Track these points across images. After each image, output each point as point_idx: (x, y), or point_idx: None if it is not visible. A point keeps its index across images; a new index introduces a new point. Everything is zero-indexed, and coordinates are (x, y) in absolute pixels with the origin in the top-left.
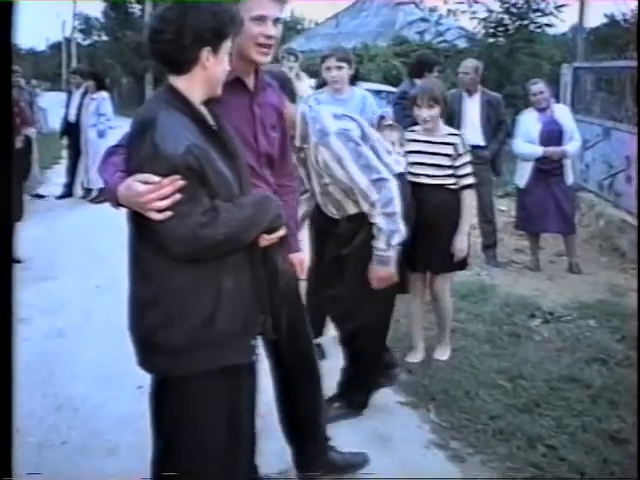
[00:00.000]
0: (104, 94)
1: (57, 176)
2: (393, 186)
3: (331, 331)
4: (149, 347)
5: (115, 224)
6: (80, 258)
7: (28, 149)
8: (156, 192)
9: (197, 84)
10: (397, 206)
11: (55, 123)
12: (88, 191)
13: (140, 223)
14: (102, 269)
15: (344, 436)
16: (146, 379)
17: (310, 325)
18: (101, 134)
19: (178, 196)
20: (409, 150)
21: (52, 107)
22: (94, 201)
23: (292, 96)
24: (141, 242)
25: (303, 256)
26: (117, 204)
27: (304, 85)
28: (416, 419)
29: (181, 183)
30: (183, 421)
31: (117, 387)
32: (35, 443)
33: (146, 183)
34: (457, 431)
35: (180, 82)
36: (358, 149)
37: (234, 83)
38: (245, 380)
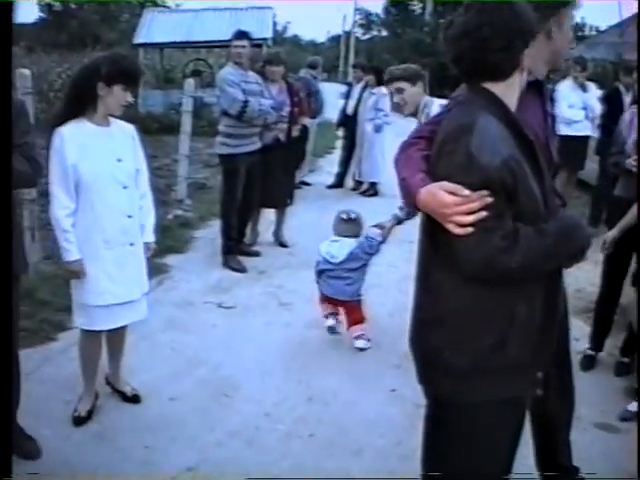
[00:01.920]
0: (383, 90)
1: (329, 165)
2: None
3: None
4: (432, 367)
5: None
6: None
7: (304, 138)
8: (463, 206)
9: (514, 89)
10: None
11: (330, 113)
12: (359, 183)
13: (435, 233)
14: None
15: None
16: (400, 383)
17: None
18: (377, 129)
19: (484, 213)
20: None
21: (328, 97)
22: (364, 194)
23: None
24: (432, 254)
25: None
26: (414, 206)
27: (592, 96)
28: None
29: (490, 200)
30: (458, 448)
31: (370, 387)
32: (283, 431)
33: (453, 194)
34: None
35: (498, 88)
36: None
37: (531, 87)
38: (524, 413)
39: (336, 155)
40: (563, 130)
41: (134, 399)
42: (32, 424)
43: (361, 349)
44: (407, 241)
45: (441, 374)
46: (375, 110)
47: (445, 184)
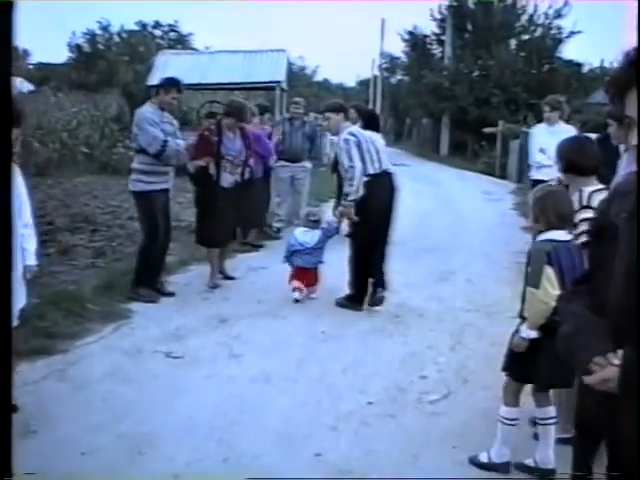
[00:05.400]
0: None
1: (330, 210)
2: (357, 170)
3: None
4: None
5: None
6: (312, 303)
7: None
8: None
9: None
10: (355, 179)
11: None
12: None
13: None
14: (326, 316)
15: None
16: (327, 447)
17: None
18: None
19: None
20: None
21: None
22: None
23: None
24: None
25: None
26: None
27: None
28: None
29: None
30: None
31: (295, 449)
32: None
33: None
34: None
35: None
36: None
37: None
38: None
39: None
40: (535, 174)
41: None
42: None
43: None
44: None
45: None
46: None
47: None
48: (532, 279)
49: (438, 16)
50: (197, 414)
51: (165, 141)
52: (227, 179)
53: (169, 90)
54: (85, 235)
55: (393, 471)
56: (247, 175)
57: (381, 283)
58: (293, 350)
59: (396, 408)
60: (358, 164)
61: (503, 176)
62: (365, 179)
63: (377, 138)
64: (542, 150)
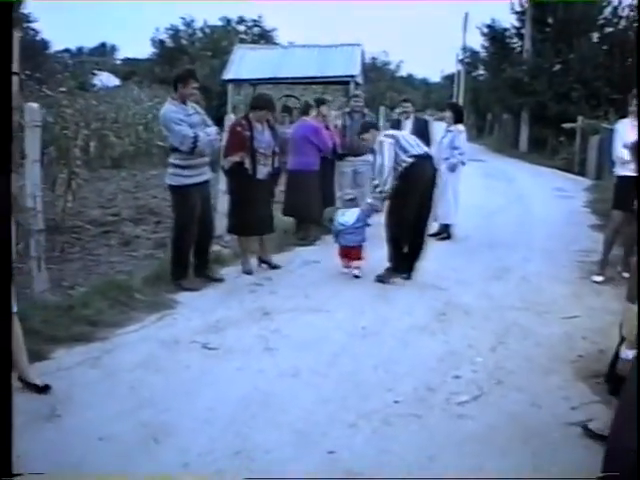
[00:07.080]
0: (460, 127)
1: None
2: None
3: None
4: None
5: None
6: (358, 299)
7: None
8: None
9: None
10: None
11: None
12: (443, 226)
13: None
14: (371, 312)
15: None
16: (342, 445)
17: None
18: (452, 168)
19: None
20: None
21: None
22: (434, 236)
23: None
24: None
25: None
26: None
27: None
28: None
29: None
30: None
31: (309, 445)
32: None
33: None
34: None
35: None
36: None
37: None
38: None
39: None
40: (619, 170)
41: (44, 389)
42: None
43: (356, 276)
44: None
45: None
46: (450, 149)
47: None
48: (629, 293)
49: (518, 9)
50: (219, 406)
51: (195, 137)
52: (262, 171)
53: (187, 82)
54: (148, 226)
55: (404, 472)
56: (276, 164)
57: (409, 267)
58: (329, 345)
59: (422, 408)
60: (387, 162)
61: (582, 173)
62: (409, 160)
63: (461, 129)
64: (626, 145)
